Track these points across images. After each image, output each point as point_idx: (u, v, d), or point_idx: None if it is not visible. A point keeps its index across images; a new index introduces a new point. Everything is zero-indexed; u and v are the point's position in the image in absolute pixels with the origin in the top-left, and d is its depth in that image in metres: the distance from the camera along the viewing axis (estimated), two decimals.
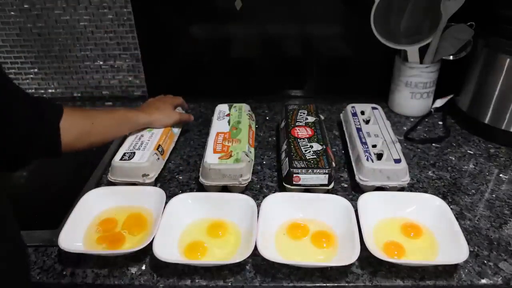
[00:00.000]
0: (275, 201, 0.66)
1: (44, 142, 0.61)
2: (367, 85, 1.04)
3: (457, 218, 0.62)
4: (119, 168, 0.72)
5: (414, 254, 0.60)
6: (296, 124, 0.81)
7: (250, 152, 0.76)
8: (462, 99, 0.93)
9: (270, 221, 0.64)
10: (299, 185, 0.70)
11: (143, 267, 0.60)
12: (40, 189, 0.79)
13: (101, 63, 1.04)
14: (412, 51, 0.90)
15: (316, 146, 0.74)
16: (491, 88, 0.85)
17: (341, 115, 0.92)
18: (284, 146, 0.77)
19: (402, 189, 0.72)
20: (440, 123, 0.95)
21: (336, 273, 0.58)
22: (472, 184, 0.75)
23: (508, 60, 0.81)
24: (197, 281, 0.57)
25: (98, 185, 0.76)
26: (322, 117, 0.87)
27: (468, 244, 0.57)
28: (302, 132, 0.79)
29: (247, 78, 1.06)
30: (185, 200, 0.67)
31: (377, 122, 0.84)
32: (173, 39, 1.01)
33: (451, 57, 0.92)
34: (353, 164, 0.76)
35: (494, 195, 0.73)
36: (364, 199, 0.65)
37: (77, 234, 0.62)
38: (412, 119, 0.96)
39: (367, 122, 0.86)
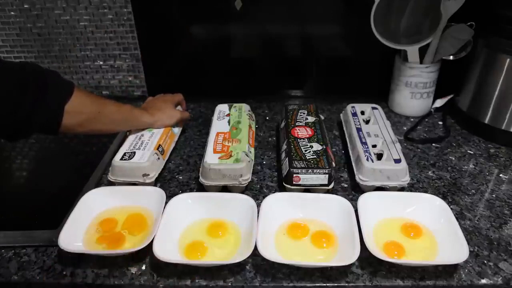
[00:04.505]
0: (275, 201, 0.66)
1: (45, 122, 0.63)
2: (367, 85, 1.04)
3: (457, 218, 0.62)
4: (119, 168, 0.72)
5: (414, 254, 0.60)
6: (296, 124, 0.81)
7: (250, 152, 0.76)
8: (462, 99, 0.93)
9: (270, 221, 0.63)
10: (299, 185, 0.70)
11: (143, 267, 0.60)
12: (40, 189, 0.79)
13: (101, 63, 1.04)
14: (412, 51, 0.90)
15: (316, 146, 0.74)
16: (491, 88, 0.85)
17: (341, 115, 0.92)
18: (284, 146, 0.77)
19: (402, 189, 0.72)
20: (440, 123, 0.95)
21: (336, 273, 0.58)
22: (472, 184, 0.75)
23: (508, 60, 0.81)
24: (197, 281, 0.57)
25: (98, 185, 0.75)
26: (322, 117, 0.87)
27: (468, 244, 0.57)
28: (302, 132, 0.78)
29: (247, 78, 1.06)
30: (185, 200, 0.67)
31: (377, 122, 0.84)
32: (173, 39, 1.01)
33: (451, 57, 0.92)
34: (353, 164, 0.76)
35: (494, 195, 0.73)
36: (364, 199, 0.65)
37: (77, 234, 0.62)
38: (412, 119, 0.96)
39: (367, 122, 0.86)
